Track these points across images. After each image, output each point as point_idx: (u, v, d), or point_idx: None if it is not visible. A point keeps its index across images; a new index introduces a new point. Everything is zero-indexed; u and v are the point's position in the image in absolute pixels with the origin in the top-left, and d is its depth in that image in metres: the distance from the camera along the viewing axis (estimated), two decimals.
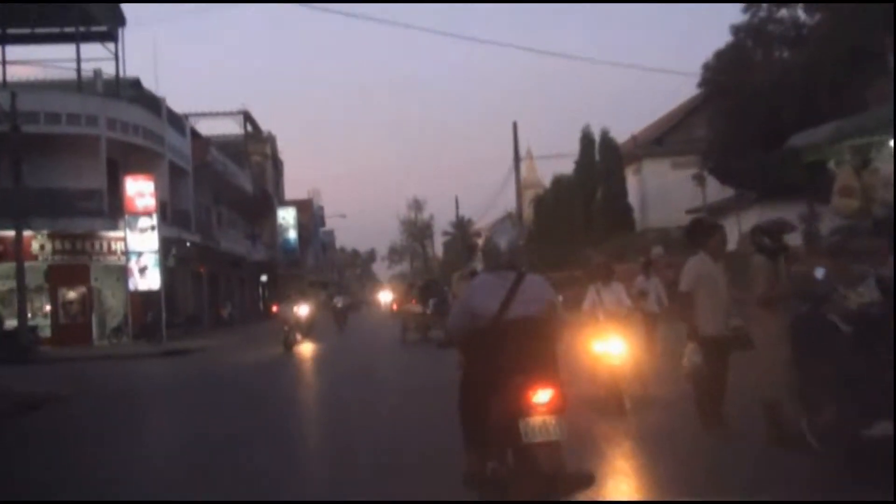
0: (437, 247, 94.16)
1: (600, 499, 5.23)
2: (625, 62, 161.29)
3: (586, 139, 39.78)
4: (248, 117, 55.39)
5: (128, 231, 26.80)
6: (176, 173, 33.31)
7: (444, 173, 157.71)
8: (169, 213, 31.25)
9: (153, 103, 31.40)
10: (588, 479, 4.56)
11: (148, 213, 27.04)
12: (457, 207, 68.02)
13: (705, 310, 6.85)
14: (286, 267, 58.10)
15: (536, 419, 4.29)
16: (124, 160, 28.96)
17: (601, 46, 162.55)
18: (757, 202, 27.79)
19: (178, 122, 34.35)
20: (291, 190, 67.69)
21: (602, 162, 38.87)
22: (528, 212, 68.58)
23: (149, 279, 26.95)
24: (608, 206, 37.67)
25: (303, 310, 24.58)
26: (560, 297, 5.96)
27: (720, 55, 31.49)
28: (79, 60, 27.85)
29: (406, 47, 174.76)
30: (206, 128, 44.07)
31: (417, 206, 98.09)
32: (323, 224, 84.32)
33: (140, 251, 26.91)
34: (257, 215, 54.08)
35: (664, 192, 37.98)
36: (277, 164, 62.00)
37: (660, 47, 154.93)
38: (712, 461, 6.27)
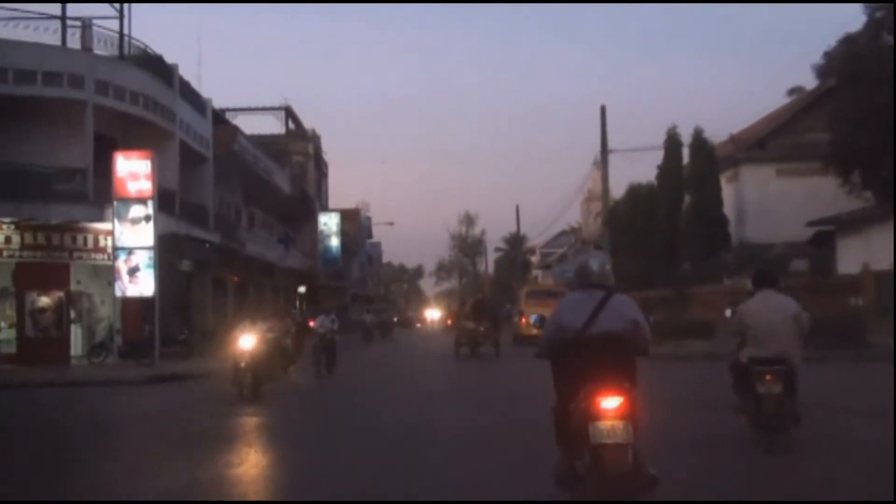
0: (489, 263, 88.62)
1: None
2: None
3: (672, 141, 33.95)
4: (289, 113, 50.46)
5: (116, 221, 21.15)
6: (191, 159, 27.70)
7: (499, 188, 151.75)
8: (178, 204, 25.67)
9: (164, 73, 25.87)
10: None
11: (142, 200, 21.38)
12: (517, 218, 61.52)
13: None
14: (327, 278, 52.71)
15: (605, 423, 4.67)
16: (122, 136, 23.40)
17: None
18: None
19: (195, 98, 28.74)
20: (338, 201, 62.39)
21: (693, 167, 33.03)
22: (594, 225, 62.65)
23: (140, 283, 21.24)
24: (699, 218, 31.89)
25: (246, 342, 13.92)
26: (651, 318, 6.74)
27: (850, 40, 25.72)
28: (64, 12, 22.45)
29: (462, 56, 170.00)
30: (245, 126, 38.62)
31: (469, 220, 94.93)
32: (370, 236, 79.15)
33: (130, 247, 21.24)
34: (296, 219, 48.83)
35: (766, 202, 32.82)
36: (321, 165, 56.66)
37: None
38: None
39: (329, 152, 59.20)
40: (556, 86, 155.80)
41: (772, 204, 32.29)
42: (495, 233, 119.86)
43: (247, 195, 38.02)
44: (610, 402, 4.67)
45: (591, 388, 4.73)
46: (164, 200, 23.97)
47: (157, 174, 22.19)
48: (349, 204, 66.05)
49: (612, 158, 28.49)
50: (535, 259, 79.72)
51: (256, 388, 13.78)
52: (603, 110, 28.35)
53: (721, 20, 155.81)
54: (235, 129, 34.13)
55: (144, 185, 21.37)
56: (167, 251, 23.32)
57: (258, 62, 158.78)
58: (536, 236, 68.95)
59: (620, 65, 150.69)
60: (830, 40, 26.14)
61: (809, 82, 38.50)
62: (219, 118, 33.12)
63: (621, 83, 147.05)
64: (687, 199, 33.72)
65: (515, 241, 72.66)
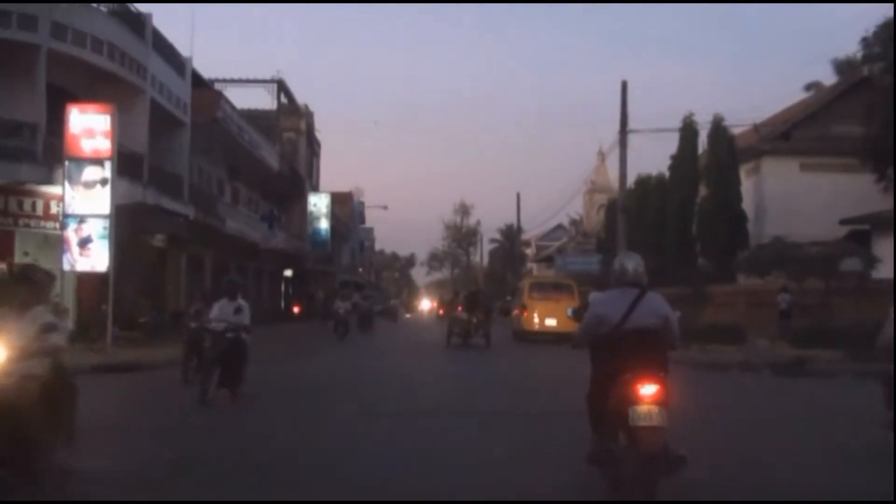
0: (483, 254, 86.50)
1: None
2: None
3: (688, 130, 31.41)
4: (282, 87, 47.63)
5: (66, 183, 18.39)
6: (165, 122, 24.96)
7: (494, 180, 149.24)
8: (146, 170, 22.94)
9: (136, 23, 23.06)
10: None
11: (98, 160, 18.60)
12: (518, 207, 58.79)
13: None
14: (316, 262, 50.11)
15: (643, 407, 5.12)
16: (82, 89, 20.66)
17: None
18: None
19: (171, 54, 25.91)
20: (331, 187, 59.32)
21: (711, 157, 30.55)
22: (596, 219, 60.13)
23: (93, 256, 18.50)
24: (715, 213, 29.48)
25: None
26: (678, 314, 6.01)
27: (890, 25, 23.96)
28: None
29: (462, 46, 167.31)
30: (236, 101, 35.61)
31: (464, 210, 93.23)
32: (363, 221, 76.47)
33: (82, 214, 18.49)
34: (284, 199, 46.21)
35: (788, 199, 30.25)
36: (313, 144, 53.94)
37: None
38: None
39: (322, 131, 56.59)
40: (559, 79, 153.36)
41: (795, 200, 29.89)
42: (490, 224, 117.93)
43: (230, 169, 35.31)
44: (648, 389, 5.14)
45: (629, 376, 5.22)
46: (130, 164, 21.30)
47: (122, 134, 19.55)
48: (342, 190, 63.35)
49: (617, 154, 26.26)
50: (529, 252, 77.64)
51: (21, 460, 5.51)
52: (624, 86, 25.88)
53: (727, 21, 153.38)
54: (219, 95, 31.39)
55: (102, 144, 18.57)
56: (130, 222, 20.60)
57: (253, 46, 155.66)
58: (531, 230, 66.87)
59: (623, 63, 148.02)
60: (841, 39, 24.26)
61: (826, 78, 36.70)
62: (200, 81, 30.35)
63: (623, 80, 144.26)
64: (702, 191, 31.28)
65: (512, 232, 70.25)
